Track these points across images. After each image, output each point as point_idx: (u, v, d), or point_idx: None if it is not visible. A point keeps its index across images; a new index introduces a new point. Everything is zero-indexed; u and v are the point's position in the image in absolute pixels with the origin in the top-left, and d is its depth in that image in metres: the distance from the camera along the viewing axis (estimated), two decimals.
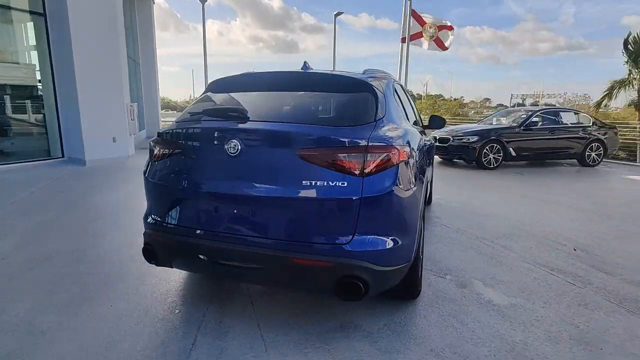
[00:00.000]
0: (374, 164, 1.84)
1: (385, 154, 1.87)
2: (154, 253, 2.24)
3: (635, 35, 13.00)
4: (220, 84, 2.61)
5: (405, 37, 15.20)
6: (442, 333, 2.20)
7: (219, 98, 2.51)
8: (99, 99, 7.69)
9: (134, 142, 9.45)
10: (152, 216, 2.27)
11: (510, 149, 8.82)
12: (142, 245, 2.29)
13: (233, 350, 2.02)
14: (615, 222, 4.61)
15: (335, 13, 19.49)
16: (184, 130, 2.18)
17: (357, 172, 1.81)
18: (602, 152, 9.48)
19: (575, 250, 3.60)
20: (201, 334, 2.15)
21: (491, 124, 10.09)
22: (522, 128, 8.98)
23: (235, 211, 1.96)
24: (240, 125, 2.01)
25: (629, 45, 13.18)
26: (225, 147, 1.94)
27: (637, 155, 12.62)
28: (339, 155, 1.82)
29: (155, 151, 2.29)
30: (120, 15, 8.16)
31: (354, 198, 1.79)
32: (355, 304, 2.47)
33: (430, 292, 2.69)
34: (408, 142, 2.17)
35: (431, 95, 44.33)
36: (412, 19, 14.73)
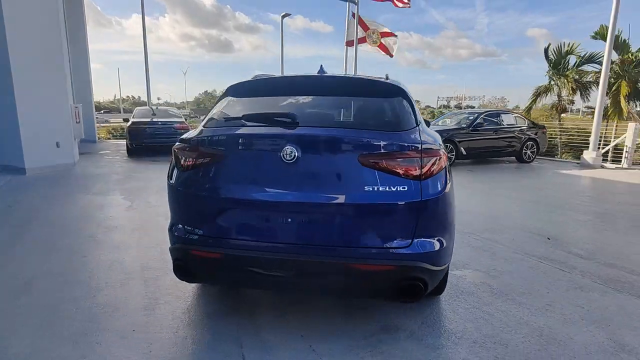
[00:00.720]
0: (429, 168, 1.91)
1: (436, 157, 1.95)
2: (189, 269, 2.09)
3: (554, 48, 14.75)
4: (241, 88, 2.49)
5: (350, 41, 15.60)
6: (476, 325, 2.34)
7: (247, 103, 2.40)
8: (39, 99, 6.86)
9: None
10: (186, 229, 2.08)
11: (462, 148, 9.53)
12: (173, 262, 2.12)
13: None
14: (570, 213, 5.22)
15: (282, 15, 19.49)
16: (225, 137, 2.06)
17: (416, 176, 1.86)
18: (535, 149, 10.63)
19: (549, 239, 4.01)
20: (247, 351, 2.05)
21: (437, 125, 10.81)
22: (470, 129, 9.75)
23: (291, 219, 1.90)
24: (298, 132, 1.95)
25: (550, 55, 14.91)
26: (281, 154, 1.87)
27: (558, 151, 14.36)
28: (400, 160, 1.86)
29: (186, 159, 2.10)
30: (61, 8, 7.36)
31: (414, 201, 1.84)
32: (382, 305, 2.52)
33: (447, 286, 2.83)
34: (441, 145, 2.28)
35: None
36: (357, 24, 15.11)
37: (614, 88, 13.17)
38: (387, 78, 2.56)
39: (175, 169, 2.18)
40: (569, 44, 14.32)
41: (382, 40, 16.06)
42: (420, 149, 1.90)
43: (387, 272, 1.85)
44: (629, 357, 2.07)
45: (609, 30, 9.93)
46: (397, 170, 1.86)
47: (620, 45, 12.87)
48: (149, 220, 4.34)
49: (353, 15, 15.23)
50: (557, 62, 14.58)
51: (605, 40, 10.45)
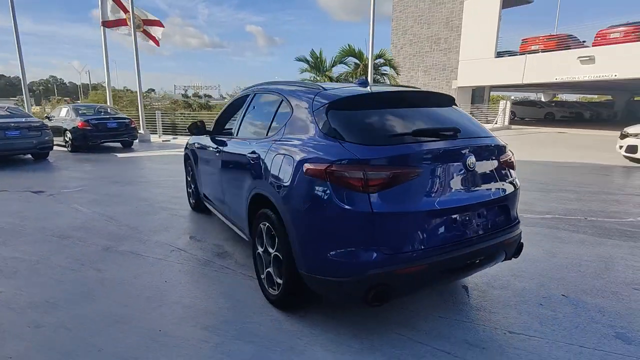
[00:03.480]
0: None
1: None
2: (390, 291, 1.99)
3: (313, 51, 18.16)
4: (344, 103, 2.36)
5: (108, 21, 13.93)
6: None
7: (369, 115, 2.30)
8: None
9: None
10: (383, 252, 1.94)
11: None
12: (369, 290, 1.94)
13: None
14: None
15: None
16: (417, 153, 2.05)
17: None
18: None
19: None
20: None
21: None
22: None
23: (476, 216, 2.22)
24: (474, 142, 2.29)
25: (310, 57, 18.13)
26: (466, 162, 2.16)
27: None
28: (507, 158, 2.48)
29: (380, 177, 1.94)
30: None
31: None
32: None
33: None
34: None
35: (99, 85, 40.99)
36: (112, 2, 13.76)
37: None
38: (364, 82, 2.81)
39: (363, 192, 1.93)
40: (320, 52, 18.23)
41: (146, 28, 14.69)
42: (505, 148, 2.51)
43: (516, 240, 2.43)
44: None
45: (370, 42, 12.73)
46: (512, 167, 2.51)
47: (358, 55, 17.64)
48: None
49: None
50: (316, 64, 18.01)
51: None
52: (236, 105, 3.98)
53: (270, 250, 2.48)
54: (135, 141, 12.29)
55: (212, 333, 2.25)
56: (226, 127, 3.97)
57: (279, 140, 2.48)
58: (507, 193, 2.36)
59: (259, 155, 2.60)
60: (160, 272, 3.08)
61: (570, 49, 16.99)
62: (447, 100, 2.67)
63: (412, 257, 1.98)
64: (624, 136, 8.40)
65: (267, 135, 2.77)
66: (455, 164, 2.14)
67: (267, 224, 2.47)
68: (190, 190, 4.86)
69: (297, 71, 18.22)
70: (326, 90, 2.49)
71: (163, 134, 16.33)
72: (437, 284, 2.52)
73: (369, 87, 2.72)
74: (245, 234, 3.02)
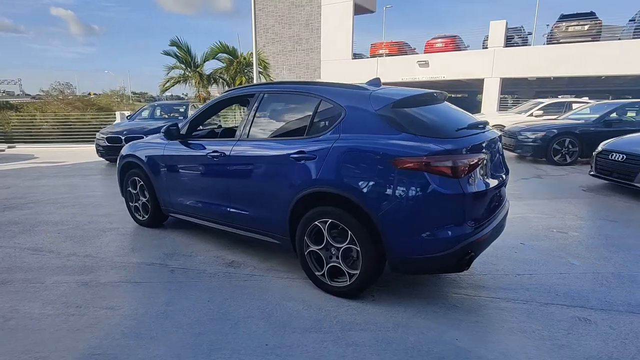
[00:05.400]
0: None
1: None
2: (474, 257, 2.46)
3: (179, 44, 15.52)
4: (404, 102, 2.66)
5: None
6: None
7: (424, 112, 2.70)
8: None
9: None
10: (471, 225, 2.39)
11: None
12: (462, 258, 2.36)
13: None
14: None
15: None
16: (483, 142, 2.61)
17: None
18: None
19: None
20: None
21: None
22: None
23: (498, 192, 2.78)
24: (494, 134, 2.89)
25: (178, 52, 15.66)
26: (496, 150, 2.85)
27: None
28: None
29: (465, 164, 2.36)
30: None
31: None
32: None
33: None
34: None
35: None
36: None
37: (237, 82, 16.37)
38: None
39: (452, 176, 2.30)
40: (187, 46, 15.68)
41: None
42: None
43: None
44: None
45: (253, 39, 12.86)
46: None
47: (232, 52, 16.20)
48: None
49: None
50: (186, 59, 15.92)
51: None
52: (216, 108, 3.73)
53: (338, 245, 2.59)
54: None
55: (323, 333, 2.28)
56: (211, 130, 3.69)
57: (344, 139, 2.56)
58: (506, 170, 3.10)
59: (316, 154, 2.63)
60: (194, 295, 2.76)
61: (406, 54, 20.60)
62: (445, 97, 3.21)
63: (484, 226, 2.50)
64: None
65: (307, 134, 2.80)
66: (494, 149, 2.78)
67: (330, 220, 2.57)
68: (138, 204, 4.22)
69: (162, 68, 16.33)
70: (376, 90, 2.74)
71: None
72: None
73: (381, 86, 3.05)
74: (276, 236, 2.98)
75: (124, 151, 4.35)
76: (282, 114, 3.24)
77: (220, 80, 16.64)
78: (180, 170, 3.72)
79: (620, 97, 20.34)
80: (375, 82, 3.08)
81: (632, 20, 15.90)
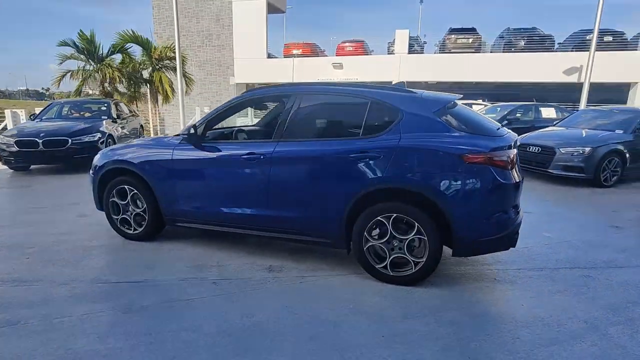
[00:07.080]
0: None
1: None
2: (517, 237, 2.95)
3: (82, 32, 13.46)
4: (451, 105, 3.04)
5: None
6: None
7: (467, 113, 3.15)
8: None
9: None
10: (516, 209, 2.92)
11: None
12: (514, 237, 2.87)
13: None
14: None
15: None
16: (515, 141, 3.01)
17: None
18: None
19: None
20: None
21: None
22: None
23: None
24: None
25: (79, 41, 13.50)
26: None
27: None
28: None
29: (512, 158, 2.80)
30: None
31: None
32: None
33: None
34: None
35: None
36: None
37: (157, 78, 14.90)
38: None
39: (502, 171, 2.73)
40: (92, 34, 13.54)
41: None
42: None
43: None
44: None
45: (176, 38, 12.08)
46: None
47: (145, 43, 14.71)
48: None
49: None
50: (89, 50, 13.69)
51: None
52: (237, 109, 3.59)
53: (402, 237, 2.81)
54: None
55: (420, 318, 2.51)
56: (239, 132, 3.58)
57: (408, 139, 2.79)
58: None
59: (381, 153, 2.81)
60: (267, 304, 2.69)
61: (318, 56, 21.42)
62: None
63: (519, 212, 3.04)
64: None
65: (362, 135, 2.96)
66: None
67: (395, 215, 2.80)
68: (127, 216, 3.76)
69: (55, 58, 13.53)
70: (423, 94, 3.09)
71: None
72: None
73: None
74: (328, 234, 3.08)
75: (103, 159, 3.85)
76: (326, 115, 3.33)
77: (133, 78, 14.79)
78: (198, 176, 3.48)
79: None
80: (401, 85, 3.37)
81: (501, 37, 19.39)
